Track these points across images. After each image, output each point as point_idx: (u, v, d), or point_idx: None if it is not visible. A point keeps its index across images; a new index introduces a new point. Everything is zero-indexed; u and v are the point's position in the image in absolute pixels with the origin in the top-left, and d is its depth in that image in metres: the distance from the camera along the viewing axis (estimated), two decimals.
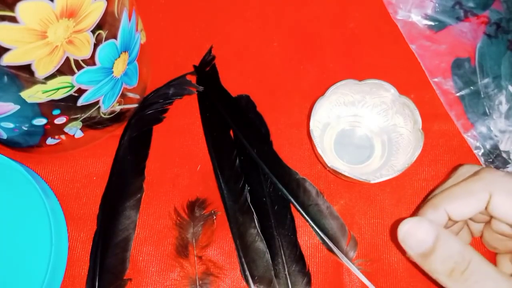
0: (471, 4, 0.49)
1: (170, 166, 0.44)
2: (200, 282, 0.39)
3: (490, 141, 0.44)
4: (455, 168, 0.35)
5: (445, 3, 0.49)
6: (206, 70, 0.47)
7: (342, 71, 0.48)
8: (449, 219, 0.32)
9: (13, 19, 0.25)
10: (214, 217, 0.42)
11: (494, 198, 0.29)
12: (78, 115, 0.37)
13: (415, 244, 0.29)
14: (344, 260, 0.40)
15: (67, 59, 0.30)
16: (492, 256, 0.38)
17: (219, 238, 0.41)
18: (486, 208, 0.30)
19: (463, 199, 0.30)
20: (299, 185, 0.41)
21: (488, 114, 0.45)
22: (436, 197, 0.32)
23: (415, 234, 0.29)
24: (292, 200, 0.41)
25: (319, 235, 0.40)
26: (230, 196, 0.42)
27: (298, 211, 0.41)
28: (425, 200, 0.37)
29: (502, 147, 0.44)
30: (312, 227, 0.41)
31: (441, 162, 0.44)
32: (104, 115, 0.40)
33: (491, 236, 0.36)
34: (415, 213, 0.39)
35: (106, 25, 0.32)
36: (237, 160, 0.43)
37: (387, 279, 0.40)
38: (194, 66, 0.47)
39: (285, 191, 0.41)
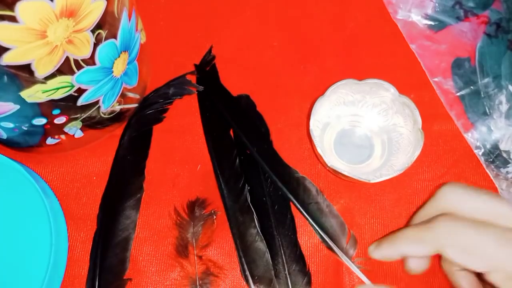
0: (471, 4, 0.49)
1: (170, 166, 0.44)
2: (200, 282, 0.39)
3: (490, 141, 0.44)
4: (438, 187, 0.36)
5: (445, 3, 0.49)
6: (206, 70, 0.47)
7: (342, 71, 0.47)
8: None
9: (12, 19, 0.25)
10: (214, 217, 0.42)
11: (445, 250, 0.32)
12: (78, 115, 0.37)
13: None
14: (344, 258, 0.40)
15: (67, 58, 0.30)
16: None
17: (219, 238, 0.41)
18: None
19: (415, 245, 0.33)
20: (299, 183, 0.41)
21: (488, 114, 0.45)
22: (395, 235, 0.35)
23: None
24: (292, 198, 0.41)
25: (319, 233, 0.40)
26: (230, 196, 0.42)
27: (298, 209, 0.41)
28: (408, 222, 0.40)
29: (502, 147, 0.44)
30: (312, 225, 0.41)
31: (441, 162, 0.44)
32: (104, 115, 0.40)
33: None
34: (411, 218, 0.40)
35: (106, 25, 0.32)
36: (237, 160, 0.43)
37: (386, 279, 0.40)
38: (195, 65, 0.47)
39: (285, 189, 0.41)
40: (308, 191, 0.41)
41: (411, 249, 0.34)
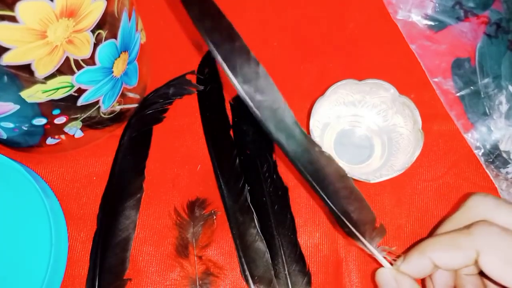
0: (471, 4, 0.49)
1: (170, 166, 0.44)
2: (200, 282, 0.39)
3: (490, 141, 0.44)
4: (466, 196, 0.33)
5: (445, 3, 0.49)
6: (206, 71, 0.47)
7: (342, 71, 0.47)
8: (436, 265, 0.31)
9: (13, 19, 0.25)
10: (214, 217, 0.42)
11: (482, 257, 0.28)
12: (78, 115, 0.37)
13: None
14: (370, 248, 0.35)
15: (67, 58, 0.30)
16: None
17: (219, 238, 0.41)
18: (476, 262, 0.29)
19: (450, 252, 0.30)
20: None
21: (488, 114, 0.45)
22: (424, 243, 0.31)
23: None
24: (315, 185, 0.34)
25: (344, 222, 0.34)
26: (230, 196, 0.42)
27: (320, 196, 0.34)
28: (435, 228, 0.36)
29: (502, 147, 0.44)
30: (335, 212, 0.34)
31: (441, 162, 0.44)
32: (104, 115, 0.40)
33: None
34: (435, 229, 0.36)
35: (106, 25, 0.32)
36: (237, 160, 0.43)
37: None
38: (194, 71, 0.47)
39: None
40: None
41: (445, 256, 0.30)
